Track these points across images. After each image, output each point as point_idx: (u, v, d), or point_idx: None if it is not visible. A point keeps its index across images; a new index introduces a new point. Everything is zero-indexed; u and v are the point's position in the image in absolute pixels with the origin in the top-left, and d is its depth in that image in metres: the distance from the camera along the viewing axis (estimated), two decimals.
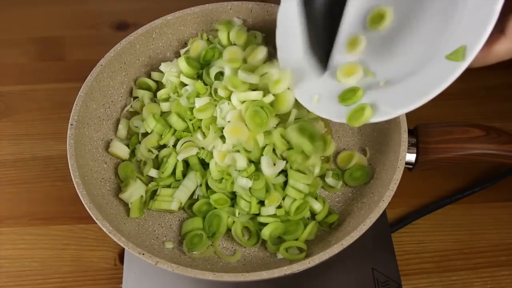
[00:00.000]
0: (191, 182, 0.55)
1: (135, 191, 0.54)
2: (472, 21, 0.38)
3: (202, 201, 0.54)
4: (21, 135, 0.70)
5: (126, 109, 0.61)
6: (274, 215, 0.53)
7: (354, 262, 0.56)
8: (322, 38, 0.48)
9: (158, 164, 0.57)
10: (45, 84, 0.75)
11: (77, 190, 0.49)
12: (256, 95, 0.53)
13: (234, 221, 0.53)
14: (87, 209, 0.48)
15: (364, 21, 0.49)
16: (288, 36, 0.53)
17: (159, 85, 0.63)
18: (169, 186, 0.56)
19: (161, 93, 0.60)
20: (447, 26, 0.41)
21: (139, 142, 0.58)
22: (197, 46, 0.62)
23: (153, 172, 0.56)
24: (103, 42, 0.78)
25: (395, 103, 0.43)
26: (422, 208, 0.64)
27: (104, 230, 0.47)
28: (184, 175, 0.56)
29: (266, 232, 0.52)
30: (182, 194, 0.54)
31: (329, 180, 0.57)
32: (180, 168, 0.55)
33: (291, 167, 0.53)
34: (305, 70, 0.51)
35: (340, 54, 0.49)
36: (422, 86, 0.41)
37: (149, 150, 0.56)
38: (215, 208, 0.54)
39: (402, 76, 0.44)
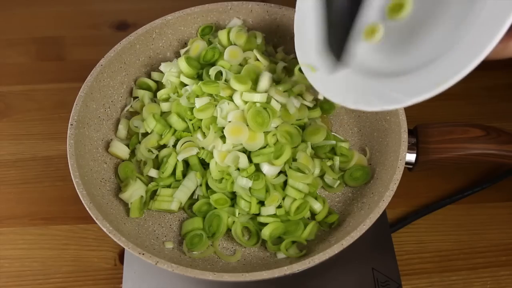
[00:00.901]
0: (191, 182, 0.55)
1: (135, 191, 0.54)
2: (493, 12, 0.38)
3: (202, 201, 0.54)
4: (21, 135, 0.70)
5: (126, 109, 0.61)
6: (274, 215, 0.53)
7: (354, 262, 0.56)
8: (337, 30, 0.48)
9: (158, 164, 0.57)
10: (45, 84, 0.75)
11: (77, 190, 0.49)
12: (260, 97, 0.53)
13: (234, 221, 0.53)
14: (87, 209, 0.48)
15: (383, 10, 0.49)
16: (307, 31, 0.53)
17: (159, 85, 0.63)
18: (169, 186, 0.56)
19: (161, 93, 0.60)
20: (467, 17, 0.41)
21: (139, 142, 0.58)
22: (197, 46, 0.62)
23: (153, 172, 0.56)
24: (103, 42, 0.78)
25: (410, 92, 0.43)
26: (422, 208, 0.64)
27: (104, 230, 0.47)
28: (184, 175, 0.56)
29: (266, 232, 0.52)
30: (182, 194, 0.54)
31: (329, 180, 0.57)
32: (180, 168, 0.55)
33: (290, 167, 0.53)
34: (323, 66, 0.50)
35: (356, 43, 0.49)
36: (437, 76, 0.41)
37: (149, 150, 0.56)
38: (215, 208, 0.54)
39: (418, 65, 0.44)
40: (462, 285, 0.59)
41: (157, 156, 0.57)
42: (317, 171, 0.57)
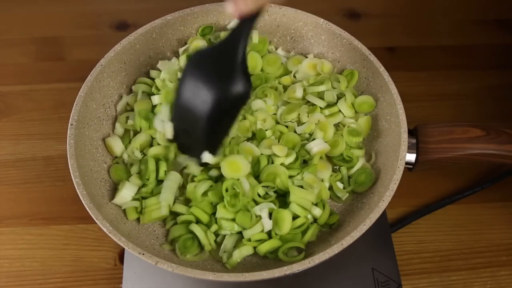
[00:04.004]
0: (172, 181, 0.54)
1: (126, 195, 0.53)
2: None
3: (180, 225, 0.53)
4: (21, 135, 0.70)
5: (121, 104, 0.60)
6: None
7: (354, 262, 0.56)
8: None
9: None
10: (45, 84, 0.75)
11: (77, 190, 0.49)
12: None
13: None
14: (87, 209, 0.48)
15: None
16: None
17: None
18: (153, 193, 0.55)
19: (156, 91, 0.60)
20: None
21: (129, 143, 0.58)
22: (197, 46, 0.62)
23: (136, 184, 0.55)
24: (103, 42, 0.78)
25: None
26: (422, 208, 0.64)
27: (104, 230, 0.47)
28: None
29: (262, 250, 0.51)
30: (167, 195, 0.53)
31: (340, 193, 0.56)
32: (163, 168, 0.54)
33: (293, 183, 0.53)
34: None
35: None
36: None
37: (133, 152, 0.56)
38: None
39: None
40: (462, 285, 0.59)
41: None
42: (327, 184, 0.56)
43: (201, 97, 0.47)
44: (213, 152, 0.52)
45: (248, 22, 0.44)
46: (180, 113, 0.51)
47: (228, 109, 0.49)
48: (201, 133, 0.50)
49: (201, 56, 0.48)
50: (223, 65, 0.47)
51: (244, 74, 0.47)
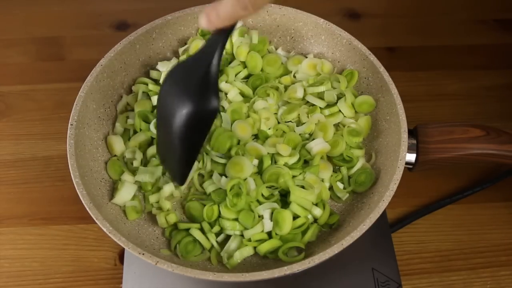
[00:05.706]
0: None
1: (126, 195, 0.54)
2: None
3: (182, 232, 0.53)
4: (21, 135, 0.70)
5: (121, 104, 0.61)
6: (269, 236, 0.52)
7: (354, 262, 0.56)
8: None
9: (146, 161, 0.57)
10: (45, 84, 0.75)
11: (77, 190, 0.49)
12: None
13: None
14: (87, 209, 0.48)
15: None
16: None
17: (158, 84, 0.63)
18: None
19: (154, 88, 0.60)
20: None
21: (128, 140, 0.58)
22: (197, 46, 0.62)
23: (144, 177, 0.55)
24: (103, 42, 0.78)
25: None
26: (422, 208, 0.64)
27: (104, 230, 0.47)
28: None
29: (262, 250, 0.51)
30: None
31: (340, 193, 0.56)
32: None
33: (293, 183, 0.53)
34: None
35: None
36: None
37: (134, 150, 0.56)
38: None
39: None
40: (462, 285, 0.59)
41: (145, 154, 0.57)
42: (327, 185, 0.57)
43: (174, 113, 0.45)
44: (183, 174, 0.51)
45: (222, 36, 0.43)
46: (160, 129, 0.50)
47: (197, 125, 0.47)
48: (175, 150, 0.48)
49: (176, 70, 0.47)
50: (196, 79, 0.45)
51: (214, 90, 0.45)
